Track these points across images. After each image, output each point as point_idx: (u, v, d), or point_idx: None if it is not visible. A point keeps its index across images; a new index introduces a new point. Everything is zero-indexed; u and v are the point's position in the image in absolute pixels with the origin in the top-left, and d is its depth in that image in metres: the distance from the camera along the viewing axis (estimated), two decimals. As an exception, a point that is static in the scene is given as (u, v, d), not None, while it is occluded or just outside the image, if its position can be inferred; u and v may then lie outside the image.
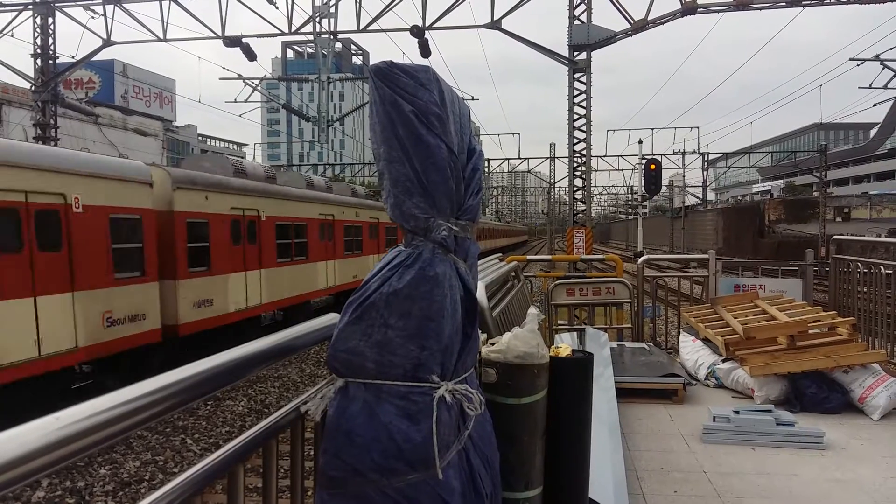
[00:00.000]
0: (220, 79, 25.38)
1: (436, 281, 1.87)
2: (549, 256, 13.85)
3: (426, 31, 17.26)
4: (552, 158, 48.84)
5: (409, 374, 1.82)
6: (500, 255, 9.42)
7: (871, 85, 25.79)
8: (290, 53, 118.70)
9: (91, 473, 7.54)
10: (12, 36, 19.72)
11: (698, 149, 45.81)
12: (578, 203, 17.87)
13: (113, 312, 10.10)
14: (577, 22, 16.50)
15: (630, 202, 68.79)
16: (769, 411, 4.79)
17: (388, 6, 17.79)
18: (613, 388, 4.88)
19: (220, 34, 18.18)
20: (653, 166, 20.57)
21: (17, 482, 0.96)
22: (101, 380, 10.18)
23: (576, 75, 16.84)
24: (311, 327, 2.08)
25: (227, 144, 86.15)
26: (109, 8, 18.97)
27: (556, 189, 62.90)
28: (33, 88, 20.08)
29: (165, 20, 18.60)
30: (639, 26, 16.15)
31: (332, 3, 18.85)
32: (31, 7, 19.36)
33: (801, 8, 16.29)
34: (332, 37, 19.74)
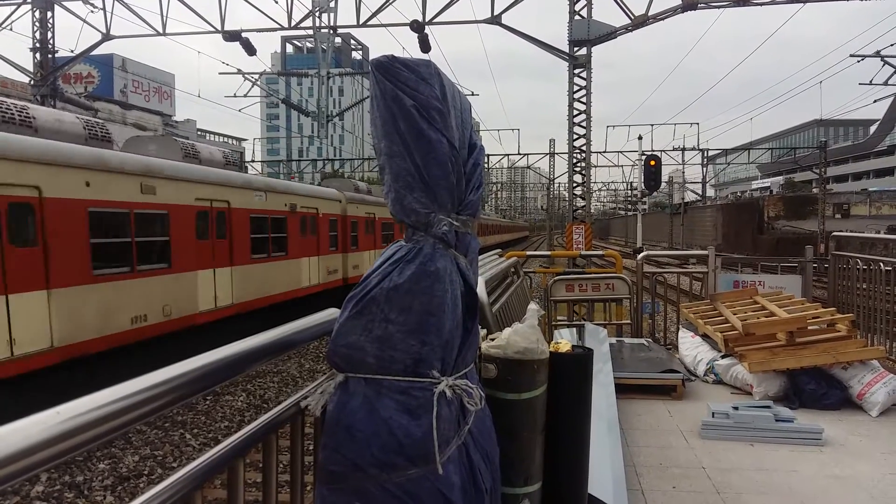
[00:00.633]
0: (220, 73, 25.41)
1: (436, 276, 1.87)
2: (549, 252, 13.88)
3: (426, 26, 17.23)
4: (552, 154, 48.81)
5: (409, 370, 1.82)
6: (500, 250, 9.42)
7: (871, 81, 25.78)
8: (289, 48, 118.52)
9: (90, 468, 7.54)
10: (11, 30, 19.70)
11: (698, 145, 45.93)
12: (578, 199, 17.87)
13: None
14: (577, 17, 16.47)
15: (629, 198, 68.72)
16: (768, 407, 4.80)
17: (388, 1, 17.76)
18: (613, 384, 4.88)
19: (219, 29, 18.14)
20: (652, 162, 20.59)
21: (18, 476, 0.96)
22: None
23: (576, 71, 16.81)
24: (310, 322, 2.08)
25: (226, 139, 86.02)
26: (109, 2, 18.97)
27: (556, 185, 62.84)
28: (32, 83, 20.03)
29: (165, 14, 18.56)
30: (639, 22, 16.12)
31: (331, -2, 18.84)
32: (30, 1, 19.31)
33: (802, 4, 16.28)
34: (331, 31, 19.74)
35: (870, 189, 63.99)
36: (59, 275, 8.75)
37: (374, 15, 17.85)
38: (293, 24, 18.60)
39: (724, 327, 6.16)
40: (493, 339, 2.33)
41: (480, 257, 5.30)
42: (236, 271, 13.08)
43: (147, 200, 10.57)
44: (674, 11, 16.02)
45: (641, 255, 8.67)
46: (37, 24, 19.47)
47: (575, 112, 17.09)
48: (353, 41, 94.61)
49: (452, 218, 1.94)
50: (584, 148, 17.36)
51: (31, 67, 19.81)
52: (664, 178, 41.64)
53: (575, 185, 17.85)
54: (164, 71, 59.18)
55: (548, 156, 48.93)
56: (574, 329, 6.80)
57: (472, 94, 31.16)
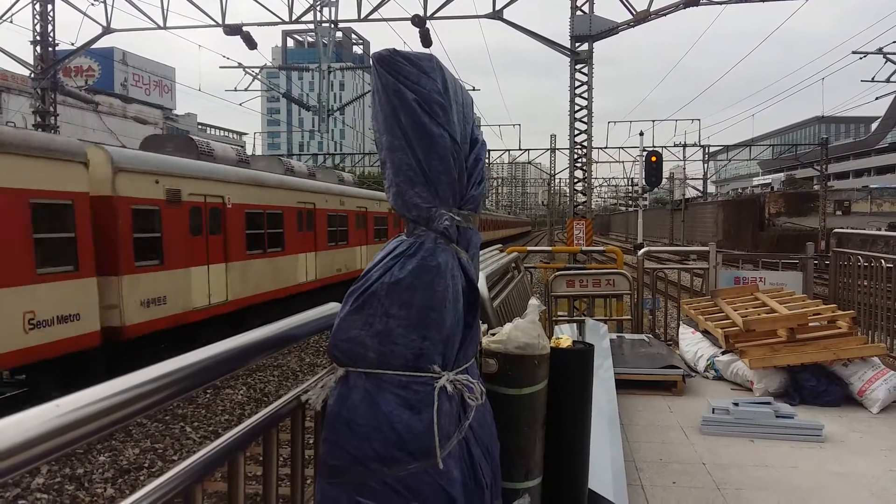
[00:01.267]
0: (221, 67, 25.29)
1: (438, 271, 1.86)
2: (550, 248, 13.83)
3: (427, 21, 17.17)
4: (553, 150, 48.72)
5: (410, 364, 1.82)
6: (501, 245, 9.42)
7: (873, 78, 25.68)
8: (290, 42, 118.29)
9: (90, 460, 7.56)
10: (11, 22, 19.62)
11: (699, 141, 45.72)
12: (579, 195, 17.85)
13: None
14: (579, 12, 16.42)
15: (630, 194, 68.72)
16: (768, 403, 4.80)
17: (389, -5, 17.71)
18: (613, 380, 4.88)
19: (220, 22, 18.09)
20: (654, 158, 20.54)
21: (18, 469, 0.96)
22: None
23: (577, 66, 16.78)
24: (311, 317, 2.08)
25: (227, 133, 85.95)
26: (109, -5, 18.87)
27: (557, 180, 62.92)
28: (33, 76, 19.97)
29: (165, 8, 18.50)
30: (641, 17, 16.07)
31: (333, -8, 18.79)
32: (30, -7, 19.24)
33: (805, 0, 16.23)
34: (332, 26, 19.68)
35: (871, 186, 63.88)
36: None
37: (375, 9, 17.79)
38: (294, 18, 18.56)
39: (725, 323, 6.15)
40: (493, 335, 2.32)
41: (482, 252, 5.30)
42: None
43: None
44: (676, 7, 15.97)
45: (642, 251, 8.66)
46: (37, 16, 19.40)
47: (576, 108, 17.06)
48: (354, 35, 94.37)
49: (454, 213, 1.93)
50: (585, 143, 17.33)
51: (31, 60, 19.74)
52: (665, 174, 41.68)
53: (576, 180, 17.83)
54: (164, 64, 59.06)
55: (549, 151, 48.86)
56: (575, 325, 6.80)
57: (474, 89, 31.15)
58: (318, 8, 18.93)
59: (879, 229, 31.77)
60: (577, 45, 16.61)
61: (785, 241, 38.86)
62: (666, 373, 5.65)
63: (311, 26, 20.10)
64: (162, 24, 18.57)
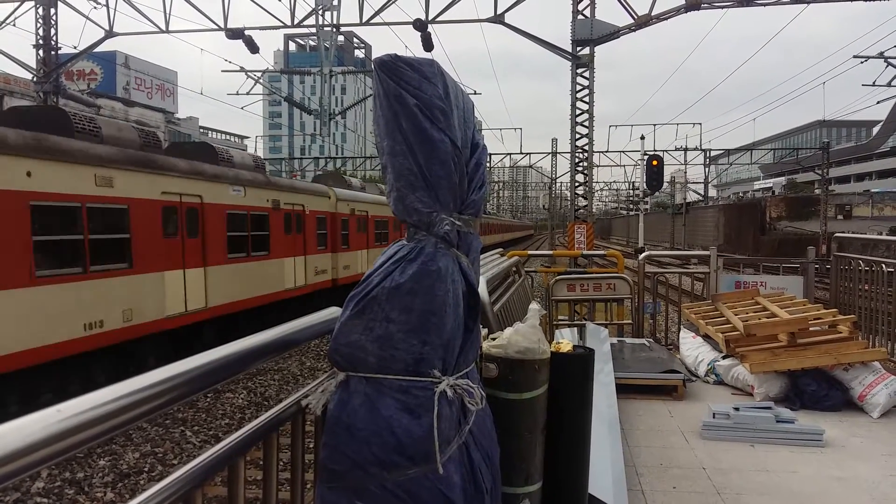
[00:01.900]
0: (223, 71, 25.34)
1: (438, 275, 1.86)
2: (551, 252, 13.84)
3: (429, 25, 17.21)
4: (554, 153, 48.75)
5: (410, 369, 1.82)
6: (501, 249, 9.42)
7: (874, 82, 25.67)
8: (292, 46, 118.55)
9: (90, 464, 7.55)
10: (14, 26, 19.70)
11: (700, 145, 45.77)
12: (580, 199, 17.85)
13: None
14: (580, 16, 16.45)
15: (631, 198, 68.72)
16: (769, 408, 4.80)
17: (390, -1, 17.73)
18: (613, 384, 4.88)
19: (222, 26, 18.13)
20: (655, 162, 20.52)
21: (19, 474, 0.96)
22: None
23: (579, 70, 16.79)
24: (311, 321, 2.08)
25: (228, 136, 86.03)
26: (112, -1, 18.92)
27: (558, 184, 62.84)
28: (35, 79, 20.03)
29: (168, 12, 18.56)
30: (642, 21, 16.09)
31: (334, -4, 18.81)
32: (33, -3, 19.30)
33: (806, 4, 16.24)
34: (334, 30, 19.70)
35: (872, 190, 63.88)
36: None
37: (376, 13, 17.82)
38: (296, 22, 18.59)
39: (726, 328, 6.15)
40: (494, 339, 2.32)
41: (482, 256, 5.31)
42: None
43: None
44: (677, 11, 15.99)
45: (643, 255, 8.66)
46: (40, 20, 19.46)
47: (577, 111, 17.07)
48: (355, 39, 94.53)
49: (454, 217, 1.94)
50: (586, 147, 17.34)
51: (34, 64, 19.80)
52: (666, 178, 41.61)
53: (577, 184, 17.82)
54: (166, 68, 59.24)
55: (550, 155, 48.89)
56: (575, 329, 6.80)
57: (475, 93, 31.16)
58: (320, 12, 18.96)
59: (881, 233, 31.77)
60: (578, 48, 16.63)
61: (786, 245, 38.83)
62: (666, 377, 5.65)
63: (313, 30, 20.12)
64: (164, 28, 18.62)
